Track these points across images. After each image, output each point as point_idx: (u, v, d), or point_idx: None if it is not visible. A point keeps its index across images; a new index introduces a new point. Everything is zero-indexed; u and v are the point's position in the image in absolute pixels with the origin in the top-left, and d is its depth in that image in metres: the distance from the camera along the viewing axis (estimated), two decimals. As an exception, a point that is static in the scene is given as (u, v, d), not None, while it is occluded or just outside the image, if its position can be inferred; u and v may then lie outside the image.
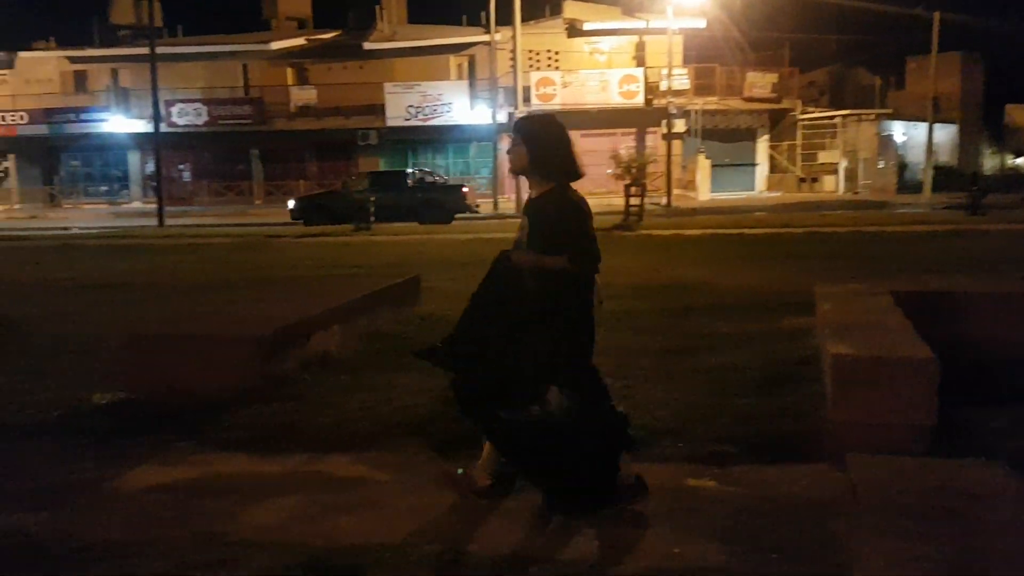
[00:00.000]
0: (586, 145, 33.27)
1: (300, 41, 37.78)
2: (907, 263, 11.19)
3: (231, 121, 35.27)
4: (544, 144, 3.57)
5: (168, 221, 26.11)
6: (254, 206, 34.70)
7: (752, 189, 35.52)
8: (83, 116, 36.13)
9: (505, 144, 4.52)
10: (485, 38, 32.17)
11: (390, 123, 34.04)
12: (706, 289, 9.47)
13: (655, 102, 32.58)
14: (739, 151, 35.68)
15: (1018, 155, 46.08)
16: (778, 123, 36.00)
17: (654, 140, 32.83)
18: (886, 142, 36.77)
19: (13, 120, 36.01)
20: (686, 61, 34.07)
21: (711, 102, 34.28)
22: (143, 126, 33.66)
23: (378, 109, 34.00)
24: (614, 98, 33.20)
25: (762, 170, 36.37)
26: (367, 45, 35.84)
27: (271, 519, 3.59)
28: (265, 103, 35.73)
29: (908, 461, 3.48)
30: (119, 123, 35.74)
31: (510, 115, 28.64)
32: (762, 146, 36.27)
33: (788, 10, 36.26)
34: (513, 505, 3.63)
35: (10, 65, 37.96)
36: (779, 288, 9.13)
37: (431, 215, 22.88)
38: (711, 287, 9.60)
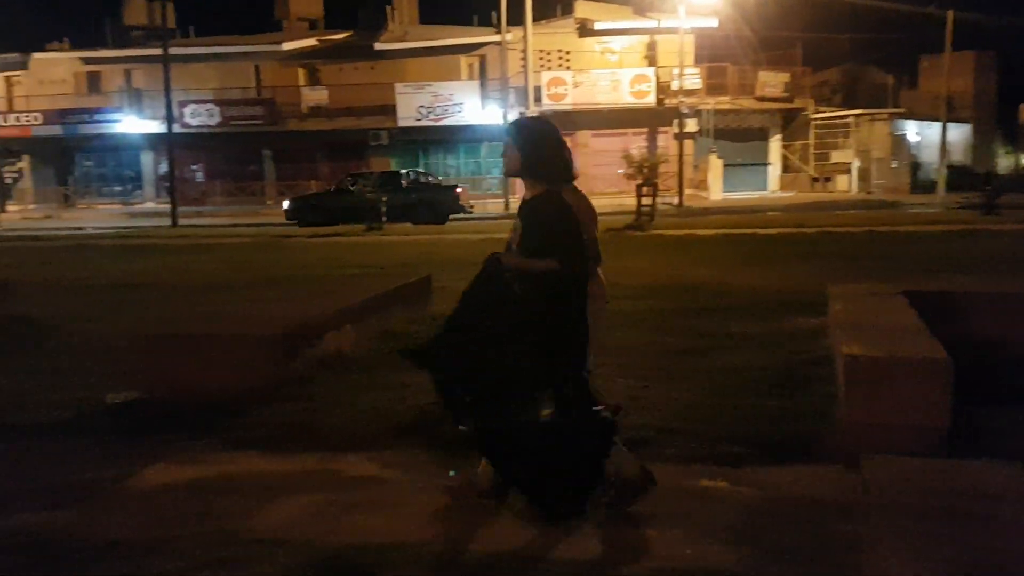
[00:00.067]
0: (597, 145, 33.44)
1: (312, 42, 37.87)
2: (921, 263, 11.14)
3: (243, 122, 35.39)
4: (535, 146, 3.58)
5: (181, 221, 26.25)
6: (266, 206, 34.78)
7: (764, 189, 35.39)
8: (96, 117, 36.33)
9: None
10: (496, 38, 32.18)
11: (401, 123, 34.07)
12: (718, 289, 9.44)
13: (667, 102, 32.50)
14: (751, 151, 35.55)
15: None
16: (790, 123, 35.86)
17: (666, 140, 32.76)
18: (899, 141, 36.59)
19: (27, 121, 36.24)
20: (698, 60, 33.98)
21: (723, 102, 34.17)
22: (156, 127, 33.82)
23: (389, 109, 34.05)
24: (625, 98, 33.14)
25: (774, 170, 36.24)
26: (378, 46, 35.89)
27: (285, 518, 3.61)
28: (277, 104, 35.84)
29: (922, 462, 3.48)
30: (132, 124, 35.92)
31: (521, 115, 28.67)
32: (774, 146, 36.13)
33: (801, 9, 36.13)
34: (524, 505, 3.64)
35: (24, 66, 38.21)
36: (791, 288, 9.10)
37: (425, 215, 22.93)
38: (723, 287, 9.57)
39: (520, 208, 3.66)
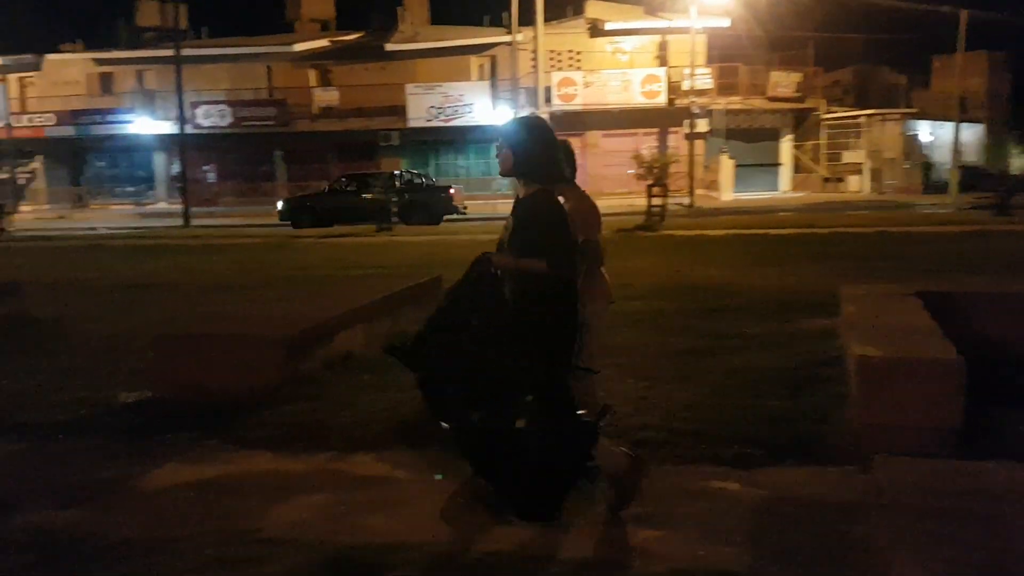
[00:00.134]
0: (608, 145, 33.40)
1: (323, 43, 37.96)
2: (933, 264, 11.08)
3: (255, 122, 35.50)
4: (527, 146, 3.59)
5: (193, 222, 26.36)
6: (277, 207, 34.88)
7: (776, 189, 35.26)
8: (109, 118, 36.50)
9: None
10: (507, 38, 32.18)
11: (412, 124, 34.12)
12: (729, 290, 9.41)
13: (677, 102, 32.43)
14: (763, 151, 35.43)
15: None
16: (802, 123, 35.73)
17: (676, 140, 32.70)
18: (911, 142, 36.40)
19: (41, 121, 36.46)
20: (709, 60, 33.89)
21: (734, 102, 34.07)
22: (168, 127, 33.95)
23: (400, 110, 34.10)
24: (636, 98, 33.08)
25: (786, 170, 36.10)
26: (389, 46, 35.94)
27: (296, 517, 3.62)
28: (288, 104, 35.93)
29: (935, 463, 3.45)
30: (145, 124, 36.08)
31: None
32: (786, 146, 36.00)
33: (813, 9, 35.93)
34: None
35: (37, 67, 38.43)
36: (803, 289, 9.07)
37: (418, 216, 22.98)
38: (734, 288, 9.54)
39: (514, 207, 3.68)
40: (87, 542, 3.41)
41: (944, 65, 38.98)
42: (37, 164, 38.13)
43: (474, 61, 36.09)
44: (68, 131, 36.32)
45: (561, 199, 4.01)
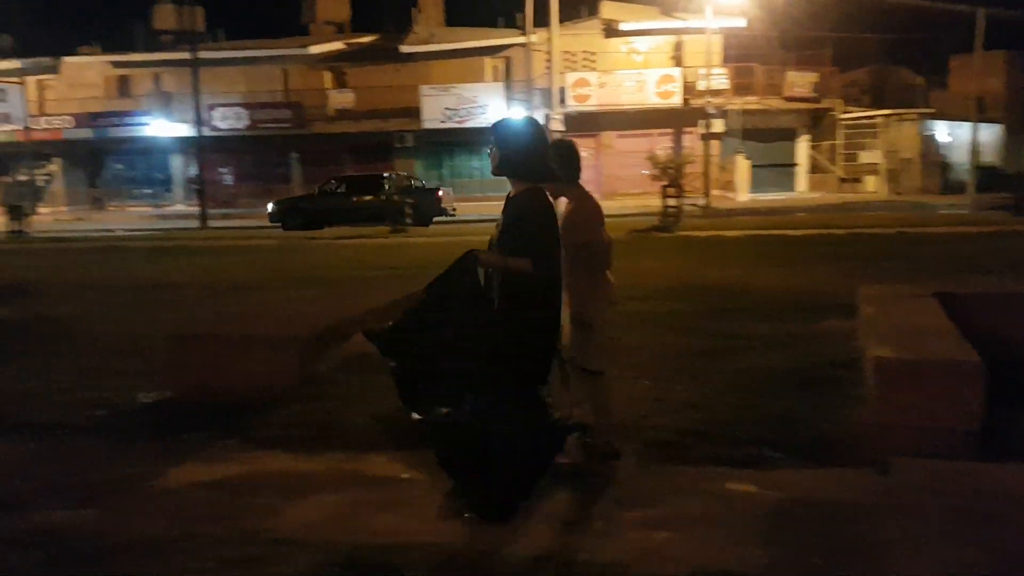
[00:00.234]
0: (622, 146, 33.34)
1: (338, 45, 38.10)
2: (952, 264, 11.00)
3: (271, 125, 35.67)
4: (516, 146, 3.64)
5: (210, 223, 26.49)
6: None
7: (792, 190, 35.08)
8: (127, 120, 36.75)
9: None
10: (521, 40, 32.18)
11: (426, 125, 34.18)
12: (745, 291, 9.37)
13: (692, 102, 32.33)
14: (779, 151, 35.25)
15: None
16: (819, 123, 35.53)
17: (691, 140, 32.58)
18: (928, 142, 36.14)
19: (59, 124, 36.75)
20: (725, 60, 33.75)
21: (750, 102, 33.91)
22: (186, 130, 34.14)
23: (414, 112, 34.17)
24: (651, 98, 32.99)
25: (802, 171, 35.92)
26: (404, 48, 36.02)
27: (310, 516, 3.63)
28: (304, 107, 36.08)
29: (952, 465, 3.43)
30: (162, 127, 36.30)
31: (546, 117, 28.63)
32: (802, 146, 35.81)
33: (829, 9, 35.76)
34: (548, 506, 3.63)
35: (55, 70, 38.75)
36: (820, 290, 9.02)
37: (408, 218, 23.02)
38: (750, 289, 9.50)
39: (504, 205, 3.69)
40: (105, 540, 3.44)
41: (962, 65, 38.67)
42: (55, 166, 38.44)
43: (488, 62, 36.12)
44: (86, 133, 36.59)
45: (563, 199, 4.03)
